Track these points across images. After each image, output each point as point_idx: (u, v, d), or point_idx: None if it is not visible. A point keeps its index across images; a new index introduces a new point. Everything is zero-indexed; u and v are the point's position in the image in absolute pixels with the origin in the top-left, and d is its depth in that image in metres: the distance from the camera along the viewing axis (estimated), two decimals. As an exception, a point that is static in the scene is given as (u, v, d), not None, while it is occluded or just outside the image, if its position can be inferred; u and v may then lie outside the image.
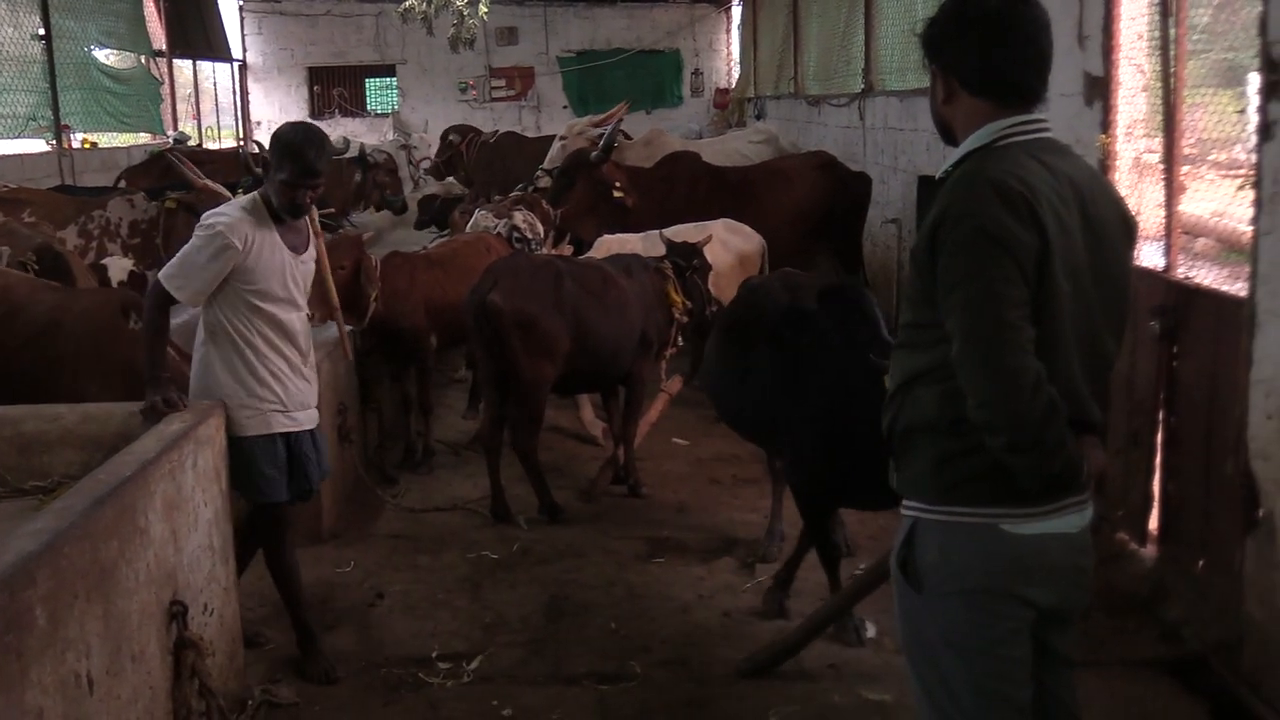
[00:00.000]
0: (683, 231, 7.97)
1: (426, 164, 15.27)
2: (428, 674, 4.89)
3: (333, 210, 10.38)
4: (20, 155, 12.51)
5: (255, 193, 4.63)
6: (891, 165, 10.56)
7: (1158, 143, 5.54)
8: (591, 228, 9.32)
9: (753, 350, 5.31)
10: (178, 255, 4.51)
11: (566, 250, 8.74)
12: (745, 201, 9.36)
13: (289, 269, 4.59)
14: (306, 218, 4.76)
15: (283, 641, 5.06)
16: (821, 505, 5.13)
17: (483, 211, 8.65)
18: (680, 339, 7.44)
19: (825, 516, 5.19)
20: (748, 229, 8.46)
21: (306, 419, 4.73)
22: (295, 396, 4.66)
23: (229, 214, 4.49)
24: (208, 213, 4.58)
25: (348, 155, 11.61)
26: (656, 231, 8.04)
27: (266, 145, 11.14)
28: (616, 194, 9.40)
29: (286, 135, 4.55)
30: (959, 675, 2.78)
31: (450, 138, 14.68)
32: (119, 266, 7.31)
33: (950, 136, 2.89)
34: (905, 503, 2.88)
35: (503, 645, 5.17)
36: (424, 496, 6.99)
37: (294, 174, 4.46)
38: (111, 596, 3.45)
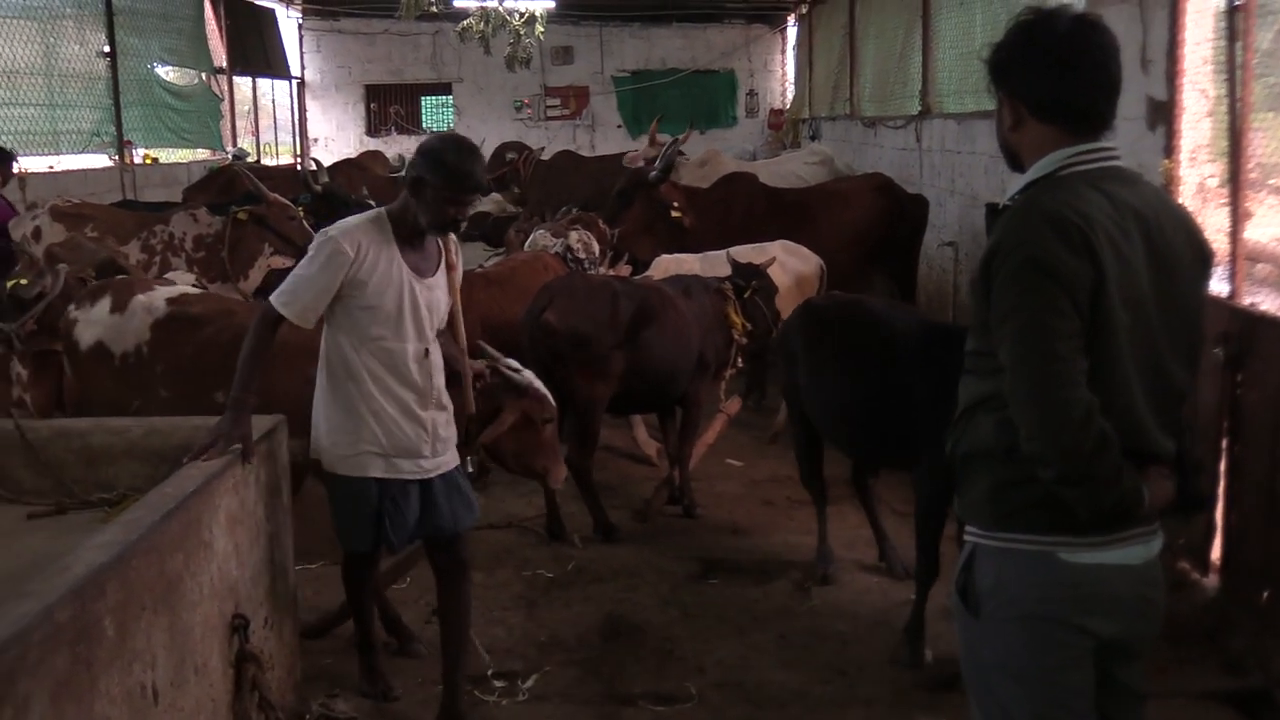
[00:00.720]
0: (742, 253, 7.97)
1: None
2: (484, 692, 4.90)
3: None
4: (84, 170, 12.71)
5: (382, 208, 4.39)
6: (949, 188, 10.52)
7: (1221, 167, 5.49)
8: (648, 247, 9.36)
9: (885, 369, 5.29)
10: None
11: (625, 270, 8.74)
12: (802, 223, 9.36)
13: (408, 291, 4.24)
14: (439, 243, 4.46)
15: (341, 657, 5.09)
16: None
17: (540, 231, 8.69)
18: (740, 360, 7.42)
19: (940, 534, 5.17)
20: (806, 250, 8.46)
21: (413, 468, 4.34)
22: (400, 442, 4.29)
23: (344, 223, 4.27)
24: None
25: (399, 174, 11.75)
26: (720, 251, 8.09)
27: (321, 162, 11.29)
28: (674, 214, 9.44)
29: (448, 150, 4.20)
30: (1016, 703, 2.76)
31: (508, 155, 14.47)
32: (182, 281, 7.39)
33: (1017, 163, 2.88)
34: (966, 528, 2.87)
35: (558, 664, 5.17)
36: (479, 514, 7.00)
37: (458, 188, 4.17)
38: (176, 609, 3.49)
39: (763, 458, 8.06)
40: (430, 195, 4.18)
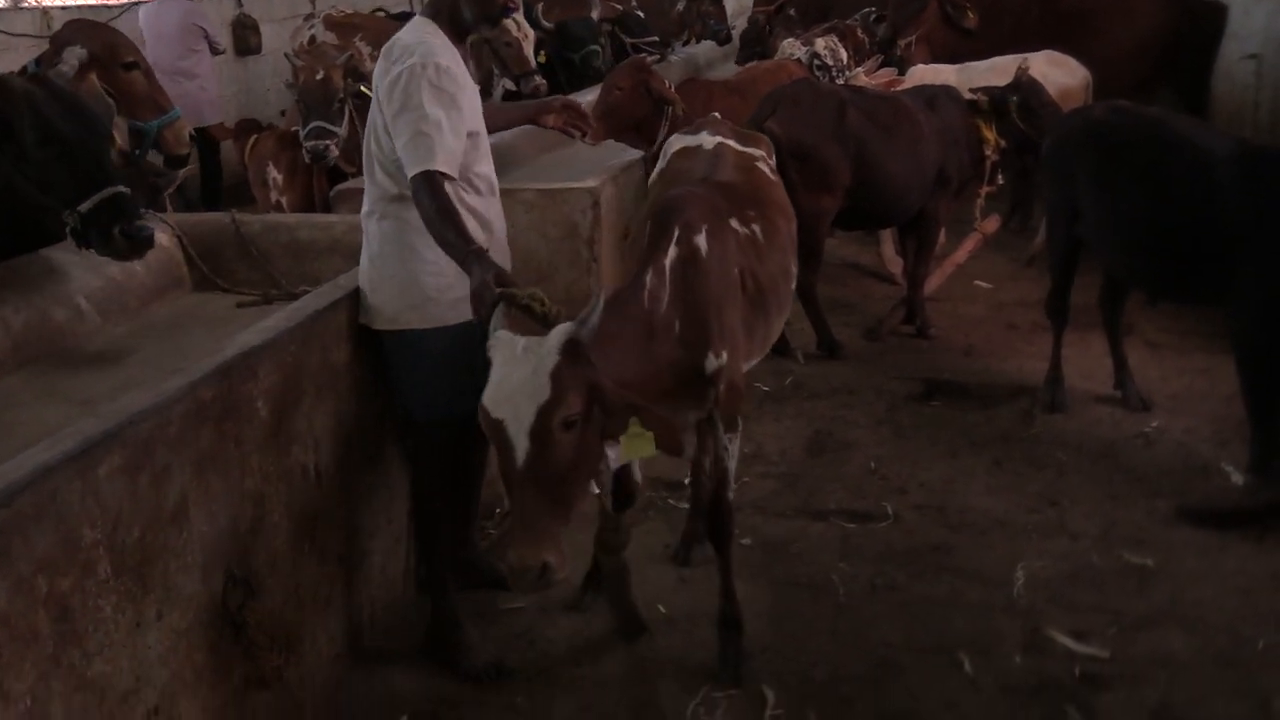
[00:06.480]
0: (1001, 64, 7.50)
1: None
2: (677, 499, 4.94)
3: (657, 39, 10.34)
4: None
5: (417, 15, 3.72)
6: (1258, -8, 9.56)
7: None
8: (924, 56, 8.95)
9: (1195, 194, 4.86)
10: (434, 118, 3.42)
11: (887, 76, 8.26)
12: (1078, 33, 8.68)
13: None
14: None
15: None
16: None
17: (790, 40, 8.39)
18: (1000, 178, 7.04)
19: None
20: (1073, 62, 7.84)
21: None
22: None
23: (419, 45, 3.51)
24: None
25: None
26: (978, 62, 7.71)
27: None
28: (970, 15, 8.98)
29: None
30: None
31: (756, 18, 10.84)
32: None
33: None
34: None
35: (757, 476, 5.16)
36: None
37: None
38: (344, 397, 3.60)
39: (1014, 280, 7.68)
40: None
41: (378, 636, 3.97)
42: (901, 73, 8.35)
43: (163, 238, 4.49)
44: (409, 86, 3.39)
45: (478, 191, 3.67)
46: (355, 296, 3.66)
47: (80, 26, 5.59)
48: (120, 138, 5.28)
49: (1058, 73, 7.64)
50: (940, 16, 9.10)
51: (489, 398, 2.91)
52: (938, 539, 4.63)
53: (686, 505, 4.80)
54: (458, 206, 3.42)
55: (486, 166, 3.73)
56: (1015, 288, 7.54)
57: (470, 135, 3.54)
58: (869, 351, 6.60)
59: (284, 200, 6.91)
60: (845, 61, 7.96)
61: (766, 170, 4.45)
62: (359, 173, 6.74)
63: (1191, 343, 6.48)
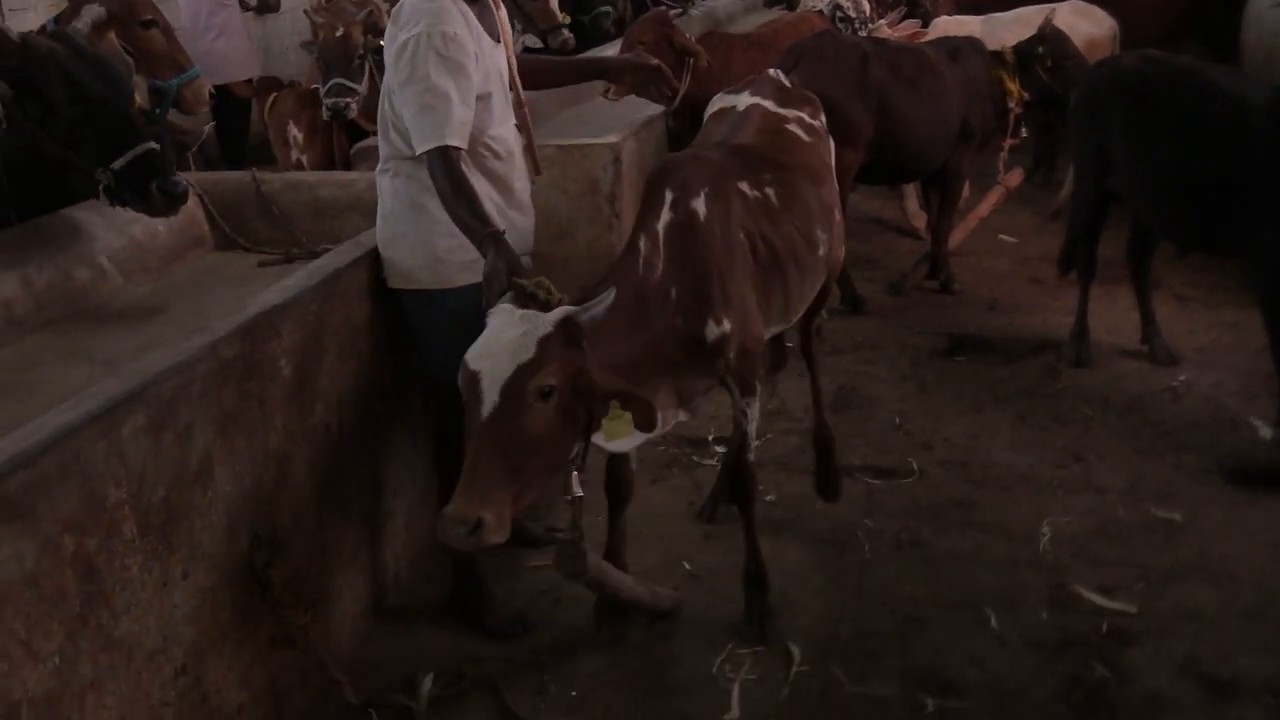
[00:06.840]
0: (1026, 14, 7.42)
1: None
2: (701, 456, 4.93)
3: None
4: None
5: None
6: (1288, -62, 9.41)
7: None
8: (948, 7, 8.86)
9: (1230, 142, 4.78)
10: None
11: (909, 28, 8.17)
12: (1103, -19, 8.60)
13: (502, 62, 3.72)
14: None
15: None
16: None
17: (811, -10, 8.31)
18: (1024, 131, 6.96)
19: None
20: (1099, 12, 7.75)
21: None
22: None
23: (423, 7, 3.43)
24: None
25: None
26: (1004, 14, 7.62)
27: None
28: None
29: None
30: None
31: None
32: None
33: None
34: None
35: (780, 433, 5.14)
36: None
37: None
38: (366, 355, 3.60)
39: (1039, 234, 7.59)
40: None
41: (402, 593, 4.00)
42: (925, 24, 8.26)
43: (185, 197, 4.49)
44: (415, 56, 3.33)
45: (496, 156, 3.60)
46: (376, 254, 3.65)
47: (98, -17, 5.55)
48: (140, 96, 5.26)
49: (1084, 23, 7.55)
50: None
51: (472, 353, 2.85)
52: (962, 494, 4.62)
53: (710, 462, 4.81)
54: (474, 174, 3.41)
55: (502, 129, 3.64)
56: (1039, 242, 7.46)
57: (481, 99, 3.47)
58: (892, 307, 6.56)
59: (304, 158, 6.90)
60: (868, 13, 7.88)
61: (800, 132, 4.25)
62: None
63: (1220, 296, 6.42)
